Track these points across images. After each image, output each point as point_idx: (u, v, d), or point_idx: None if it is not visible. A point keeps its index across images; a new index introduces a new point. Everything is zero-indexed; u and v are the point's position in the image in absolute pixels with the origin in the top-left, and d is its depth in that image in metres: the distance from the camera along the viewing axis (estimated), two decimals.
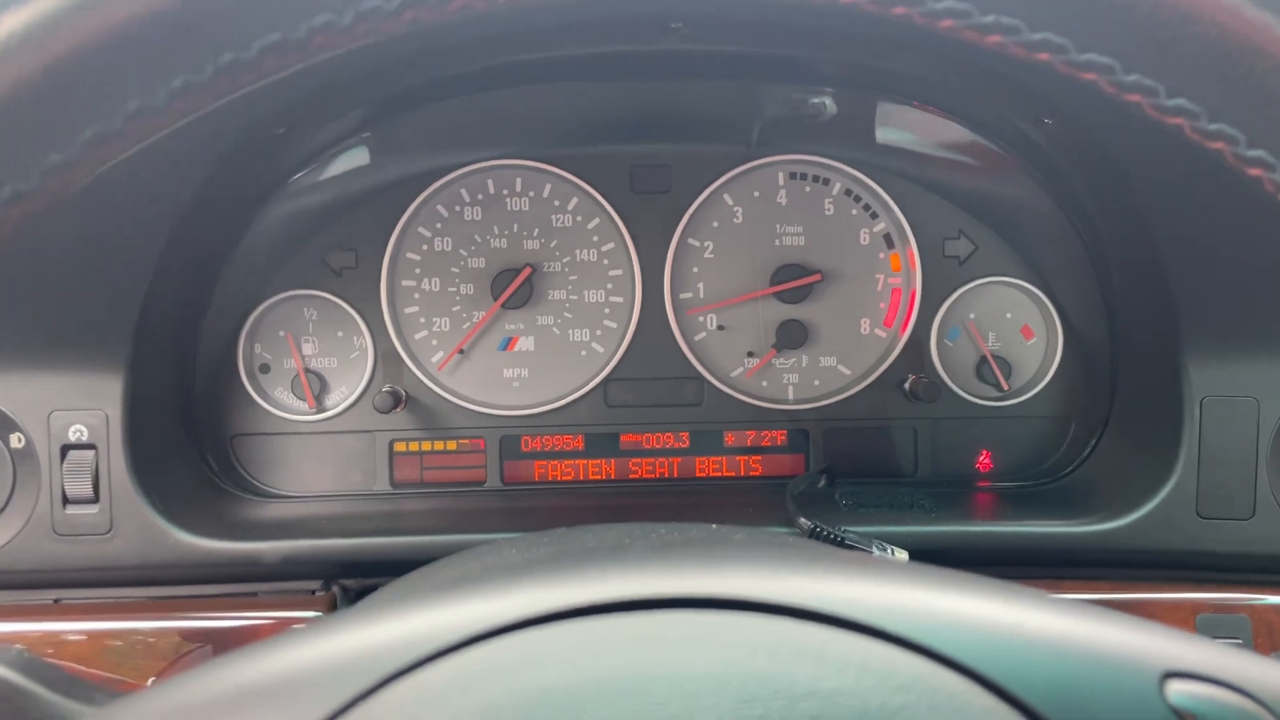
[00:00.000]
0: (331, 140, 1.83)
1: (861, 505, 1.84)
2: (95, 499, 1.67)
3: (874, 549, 1.65)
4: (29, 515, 1.67)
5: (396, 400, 1.94)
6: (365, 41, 0.78)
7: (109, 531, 1.67)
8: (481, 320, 2.00)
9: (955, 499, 1.92)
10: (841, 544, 1.64)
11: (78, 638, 1.63)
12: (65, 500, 1.67)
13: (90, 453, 1.67)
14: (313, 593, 1.71)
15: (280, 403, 2.00)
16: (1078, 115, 1.45)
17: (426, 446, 2.02)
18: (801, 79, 1.82)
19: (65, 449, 1.67)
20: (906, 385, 1.98)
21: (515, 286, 1.97)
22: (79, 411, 1.66)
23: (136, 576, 1.70)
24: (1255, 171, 0.75)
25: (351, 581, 1.74)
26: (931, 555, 1.67)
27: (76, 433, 1.66)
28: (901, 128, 1.99)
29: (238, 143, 1.52)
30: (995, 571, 1.73)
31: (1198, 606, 1.68)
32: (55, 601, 1.69)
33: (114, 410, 1.66)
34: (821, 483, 1.97)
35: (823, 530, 1.65)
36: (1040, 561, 1.74)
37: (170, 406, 1.82)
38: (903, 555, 1.67)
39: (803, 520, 1.69)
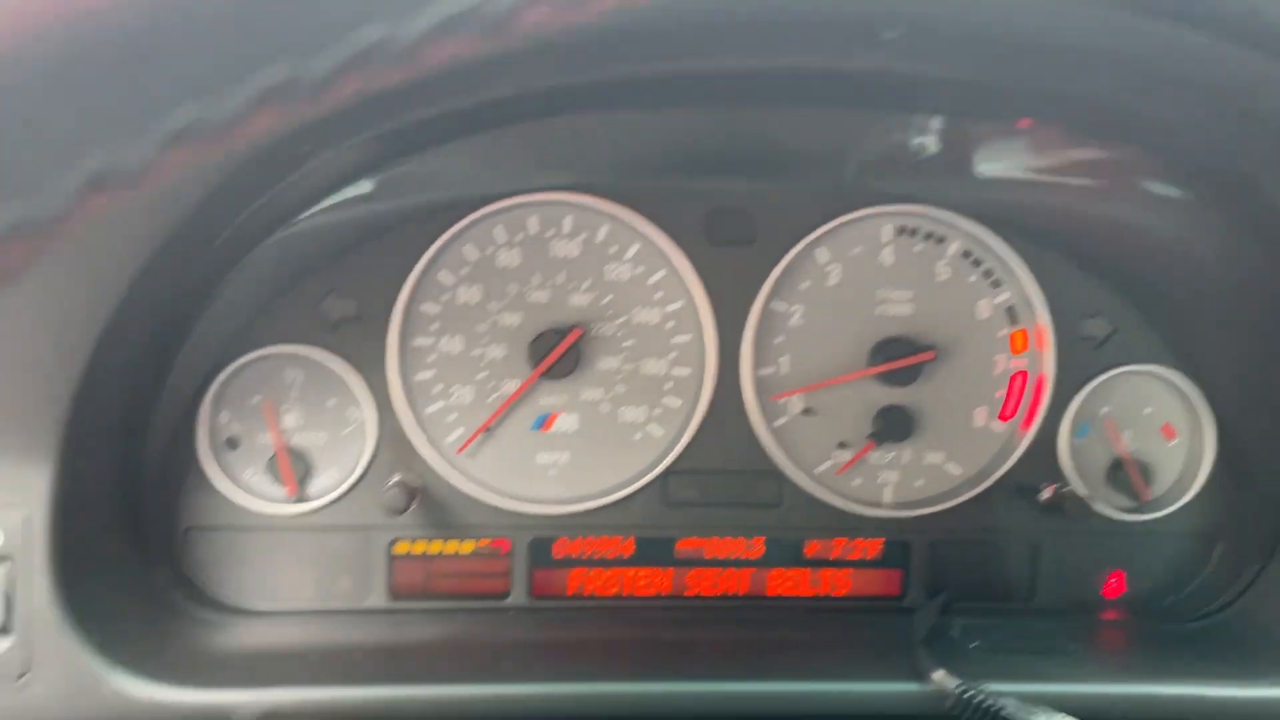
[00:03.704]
0: (351, 172, 1.40)
1: (995, 650, 1.47)
2: (5, 629, 1.23)
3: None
4: None
5: (411, 496, 1.51)
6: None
7: (23, 675, 1.22)
8: (517, 392, 1.58)
9: (1101, 640, 1.57)
10: (999, 715, 1.26)
11: None
12: None
13: (1, 567, 1.22)
14: None
15: (251, 488, 1.56)
16: None
17: (435, 548, 1.60)
18: (977, 108, 1.43)
19: None
20: (1044, 496, 1.60)
21: (560, 352, 1.56)
22: None
23: None
24: None
25: None
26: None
27: None
28: (1036, 168, 1.62)
29: (235, 171, 1.09)
30: None
31: None
32: None
33: (37, 509, 1.22)
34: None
35: (976, 695, 1.28)
36: None
37: (111, 499, 1.37)
38: None
39: (940, 676, 1.32)
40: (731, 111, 1.53)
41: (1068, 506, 1.56)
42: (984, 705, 1.27)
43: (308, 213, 1.39)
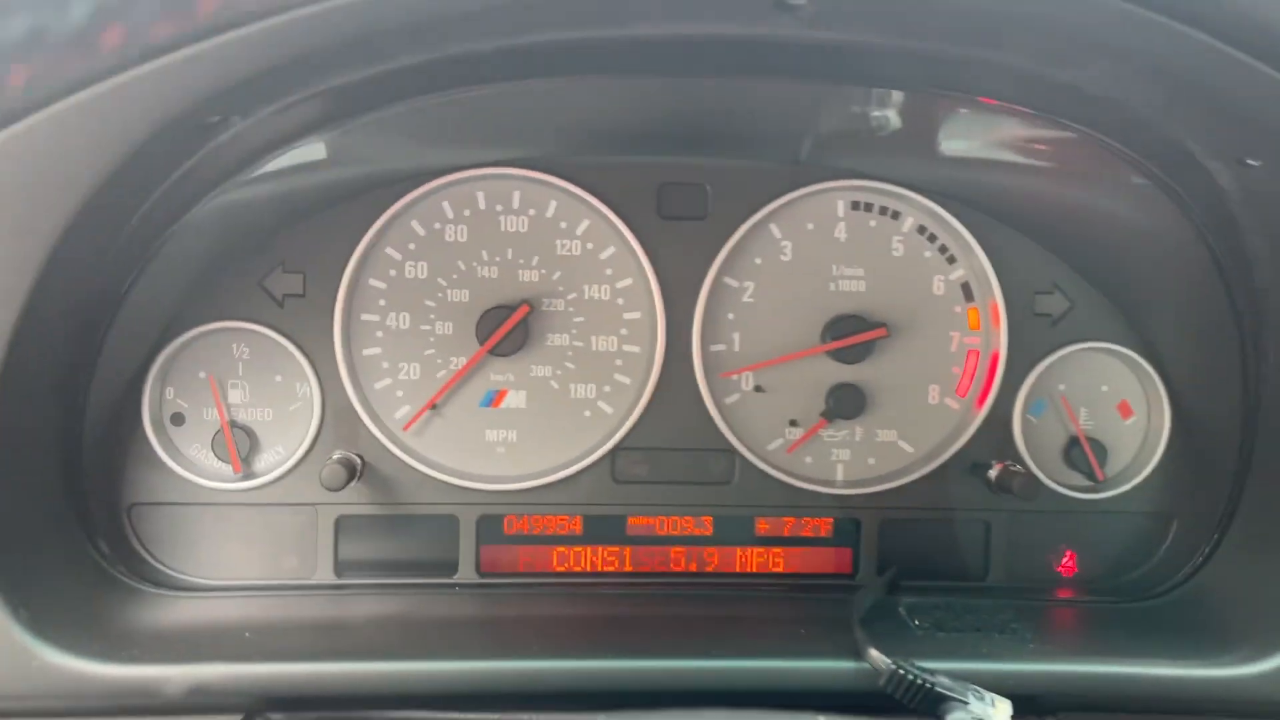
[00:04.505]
0: (279, 138, 1.38)
1: (940, 628, 1.45)
2: None
3: (970, 698, 1.27)
4: None
5: (351, 473, 1.50)
6: None
7: None
8: (463, 369, 1.57)
9: (1049, 619, 1.55)
10: (931, 692, 1.25)
11: None
12: None
13: None
14: None
15: (196, 464, 1.55)
16: None
17: (382, 525, 1.59)
18: (918, 83, 1.40)
19: None
20: (992, 474, 1.59)
21: (507, 329, 1.55)
22: None
23: None
24: None
25: (281, 716, 1.30)
26: (1036, 700, 1.32)
27: None
28: (992, 147, 1.59)
29: (152, 135, 1.08)
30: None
31: None
32: None
33: None
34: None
35: (908, 673, 1.26)
36: (1166, 709, 1.37)
37: (48, 470, 1.36)
38: (1005, 706, 1.29)
39: (875, 655, 1.30)
40: (681, 84, 1.50)
41: (1016, 485, 1.55)
42: (915, 682, 1.26)
43: (232, 181, 1.36)
